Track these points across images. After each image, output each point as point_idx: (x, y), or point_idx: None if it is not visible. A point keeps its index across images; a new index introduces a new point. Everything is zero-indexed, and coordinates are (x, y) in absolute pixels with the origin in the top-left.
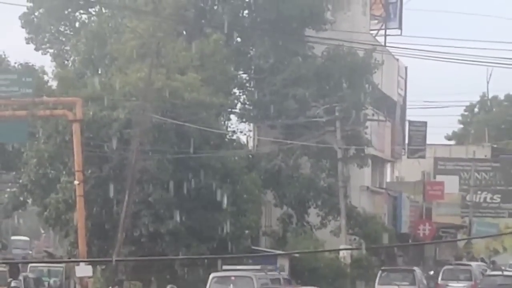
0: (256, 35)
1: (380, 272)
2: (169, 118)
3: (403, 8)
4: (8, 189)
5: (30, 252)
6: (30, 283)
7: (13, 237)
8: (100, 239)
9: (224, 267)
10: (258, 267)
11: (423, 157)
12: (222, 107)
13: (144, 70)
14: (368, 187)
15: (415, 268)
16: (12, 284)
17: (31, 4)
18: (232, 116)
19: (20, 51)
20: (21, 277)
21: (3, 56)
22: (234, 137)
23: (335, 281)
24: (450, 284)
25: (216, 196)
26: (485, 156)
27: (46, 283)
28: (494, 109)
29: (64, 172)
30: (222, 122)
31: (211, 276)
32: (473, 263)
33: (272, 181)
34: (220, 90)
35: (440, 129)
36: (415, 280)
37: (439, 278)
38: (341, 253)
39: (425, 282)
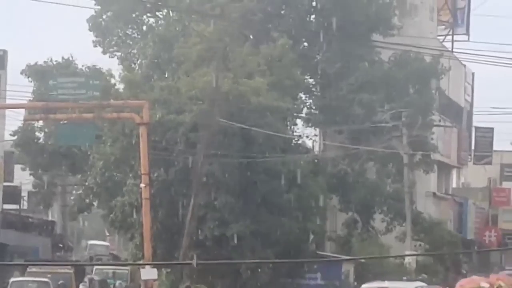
0: (323, 39)
1: None
2: (235, 122)
3: (471, 14)
4: (74, 192)
5: (108, 257)
6: (96, 285)
7: (90, 242)
8: (166, 242)
9: None
10: None
11: (490, 163)
12: (289, 112)
13: (210, 74)
14: (434, 193)
15: None
16: (80, 286)
17: (99, 7)
18: (298, 121)
19: (88, 54)
20: (86, 279)
21: (70, 59)
22: (300, 141)
23: None
24: None
25: (281, 201)
26: None
27: (111, 286)
28: None
29: (130, 175)
30: (288, 127)
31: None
32: None
33: (337, 186)
34: (287, 94)
35: (507, 135)
36: None
37: None
38: (407, 259)
39: None
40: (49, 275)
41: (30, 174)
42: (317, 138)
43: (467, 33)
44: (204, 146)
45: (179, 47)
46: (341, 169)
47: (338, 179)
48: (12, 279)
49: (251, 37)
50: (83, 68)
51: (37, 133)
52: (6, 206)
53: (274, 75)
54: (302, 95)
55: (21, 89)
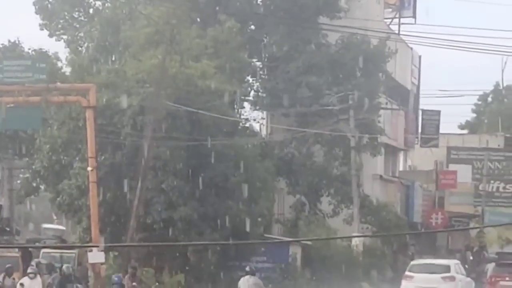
0: (270, 22)
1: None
2: (182, 105)
3: None
4: (21, 175)
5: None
6: (42, 269)
7: (45, 225)
8: (113, 226)
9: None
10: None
11: (436, 146)
12: (236, 95)
13: (158, 57)
14: (381, 176)
15: None
16: (29, 270)
17: None
18: (245, 104)
19: (34, 37)
20: (33, 263)
21: (17, 43)
22: (247, 124)
23: (347, 269)
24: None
25: (229, 184)
26: (498, 145)
27: (57, 269)
28: (505, 99)
29: (77, 159)
30: (236, 110)
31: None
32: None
33: (285, 169)
34: (234, 77)
35: (454, 118)
36: None
37: None
38: (354, 241)
39: None
40: None
41: None
42: (264, 121)
43: (414, 15)
44: (152, 129)
45: (126, 30)
46: (289, 152)
47: (286, 162)
48: None
49: (198, 20)
50: (30, 51)
51: None
52: None
53: (221, 58)
54: (249, 78)
55: None
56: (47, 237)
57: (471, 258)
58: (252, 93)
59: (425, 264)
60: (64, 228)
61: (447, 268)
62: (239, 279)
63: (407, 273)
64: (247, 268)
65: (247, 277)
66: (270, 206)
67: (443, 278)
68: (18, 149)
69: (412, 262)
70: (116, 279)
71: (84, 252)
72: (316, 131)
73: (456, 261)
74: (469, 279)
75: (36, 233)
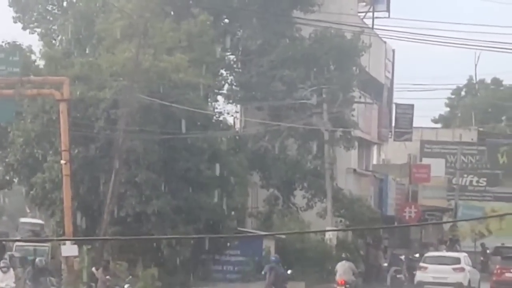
0: (244, 16)
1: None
2: (156, 99)
3: None
4: None
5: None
6: (16, 262)
7: (22, 219)
8: (86, 219)
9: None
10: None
11: (410, 140)
12: (209, 88)
13: (131, 50)
14: (354, 170)
15: None
16: (1, 264)
17: None
18: (219, 97)
19: (7, 30)
20: (6, 256)
21: None
22: (221, 118)
23: (321, 263)
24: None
25: (202, 177)
26: (472, 139)
27: (31, 262)
28: (478, 94)
29: (50, 152)
30: (209, 103)
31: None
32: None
33: (258, 163)
34: (208, 71)
35: (427, 112)
36: None
37: None
38: (327, 235)
39: None
40: None
41: None
42: (238, 115)
43: (388, 9)
44: (125, 123)
45: (100, 23)
46: (262, 146)
47: (259, 156)
48: None
49: (172, 13)
50: (3, 44)
51: None
52: None
53: (195, 51)
54: (223, 71)
55: None
56: (24, 231)
57: (444, 251)
58: (225, 86)
59: (437, 256)
60: (42, 222)
61: (457, 260)
62: (212, 273)
63: (421, 264)
64: (343, 255)
65: (343, 261)
66: (244, 199)
67: (454, 269)
68: None
69: (426, 255)
70: (273, 258)
71: (57, 245)
72: (289, 124)
73: (465, 254)
74: (475, 270)
75: (10, 226)
